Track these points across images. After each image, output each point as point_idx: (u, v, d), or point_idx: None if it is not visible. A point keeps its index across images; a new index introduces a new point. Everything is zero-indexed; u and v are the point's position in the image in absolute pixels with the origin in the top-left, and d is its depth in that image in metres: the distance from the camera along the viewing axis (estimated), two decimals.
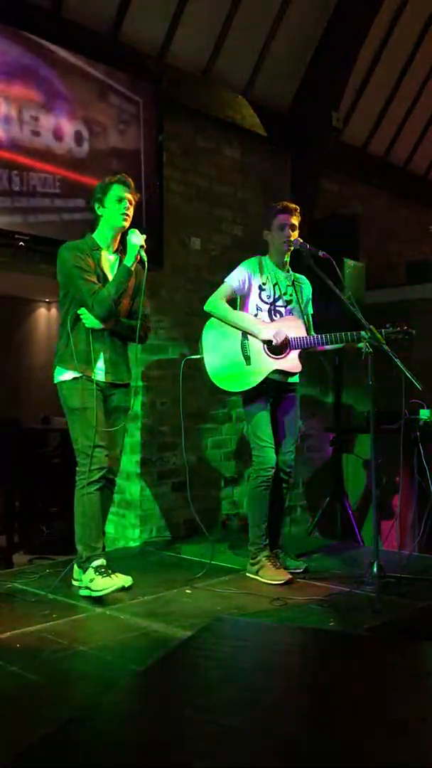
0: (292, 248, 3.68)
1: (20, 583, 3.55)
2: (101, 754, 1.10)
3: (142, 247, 3.35)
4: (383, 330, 3.47)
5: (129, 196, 3.39)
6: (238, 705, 1.30)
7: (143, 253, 3.35)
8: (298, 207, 3.73)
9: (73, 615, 3.10)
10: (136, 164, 4.33)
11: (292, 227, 3.67)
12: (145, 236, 3.39)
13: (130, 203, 3.41)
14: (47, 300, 8.15)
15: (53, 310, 8.17)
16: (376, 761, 1.08)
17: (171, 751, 1.10)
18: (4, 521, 5.17)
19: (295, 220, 3.68)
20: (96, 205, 3.41)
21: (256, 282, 3.70)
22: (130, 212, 3.41)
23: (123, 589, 3.32)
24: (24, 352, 8.43)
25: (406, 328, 3.51)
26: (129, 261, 3.36)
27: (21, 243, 3.88)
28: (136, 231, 3.38)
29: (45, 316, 8.37)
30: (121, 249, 3.50)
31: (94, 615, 3.12)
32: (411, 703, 1.31)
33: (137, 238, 3.35)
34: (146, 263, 3.38)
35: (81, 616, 3.09)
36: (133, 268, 3.37)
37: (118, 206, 3.37)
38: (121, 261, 3.45)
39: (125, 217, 3.40)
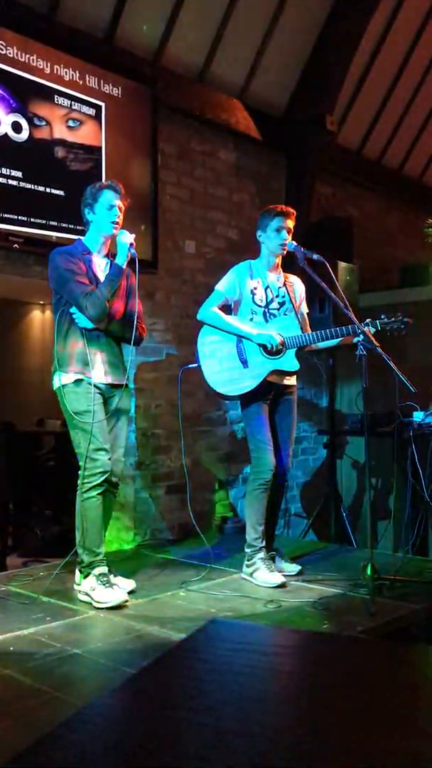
0: (286, 251, 3.69)
1: (14, 585, 3.54)
2: (97, 756, 1.10)
3: (131, 245, 3.36)
4: (378, 321, 3.50)
5: (119, 203, 3.41)
6: (232, 707, 1.30)
7: (134, 251, 3.36)
8: (294, 211, 3.75)
9: (67, 618, 3.09)
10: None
11: (288, 231, 3.69)
12: (134, 235, 3.40)
13: (121, 210, 3.42)
14: (41, 302, 8.14)
15: (47, 313, 8.15)
16: (370, 763, 1.08)
17: (166, 754, 1.10)
18: None
19: (290, 224, 3.70)
20: (86, 210, 3.42)
21: (248, 287, 3.71)
22: (120, 220, 3.42)
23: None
24: (18, 355, 8.41)
25: (401, 316, 3.51)
26: (121, 260, 3.37)
27: (15, 245, 3.87)
28: (125, 231, 3.39)
29: (39, 318, 8.35)
30: (112, 253, 3.50)
31: (88, 618, 3.12)
32: (406, 706, 1.31)
33: (127, 237, 3.36)
34: (137, 262, 3.38)
35: (75, 619, 3.09)
36: (125, 267, 3.37)
37: (108, 214, 3.38)
38: (112, 264, 3.46)
39: (115, 225, 3.40)
